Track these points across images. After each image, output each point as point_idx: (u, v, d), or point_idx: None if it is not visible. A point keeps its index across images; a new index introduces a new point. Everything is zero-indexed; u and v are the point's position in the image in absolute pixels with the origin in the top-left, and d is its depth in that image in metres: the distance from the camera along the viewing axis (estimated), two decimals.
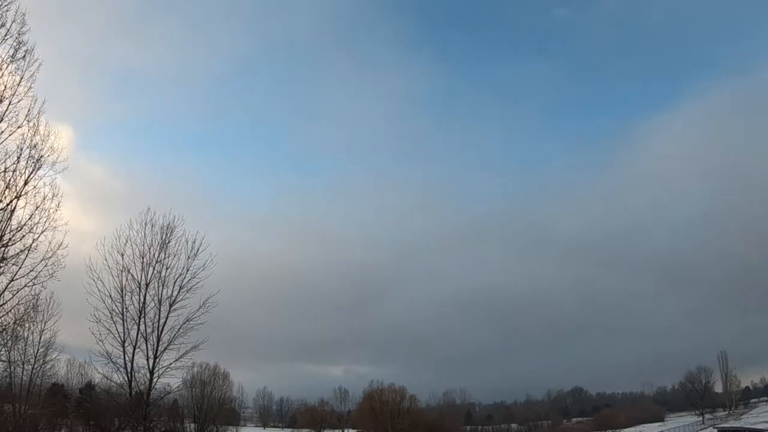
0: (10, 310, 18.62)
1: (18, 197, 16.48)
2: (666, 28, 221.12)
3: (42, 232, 17.09)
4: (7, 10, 15.55)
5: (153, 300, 26.91)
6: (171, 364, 26.93)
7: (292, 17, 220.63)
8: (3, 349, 33.05)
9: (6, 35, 15.61)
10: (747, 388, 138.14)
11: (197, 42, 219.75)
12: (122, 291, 26.41)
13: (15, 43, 15.83)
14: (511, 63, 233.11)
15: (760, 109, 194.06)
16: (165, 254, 27.50)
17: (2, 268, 16.69)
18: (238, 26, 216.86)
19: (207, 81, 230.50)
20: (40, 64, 16.27)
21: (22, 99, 16.06)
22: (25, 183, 16.63)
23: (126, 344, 26.05)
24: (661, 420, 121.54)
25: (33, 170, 16.77)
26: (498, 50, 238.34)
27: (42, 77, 16.41)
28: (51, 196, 17.27)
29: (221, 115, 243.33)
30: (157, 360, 26.51)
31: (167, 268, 27.36)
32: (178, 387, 35.00)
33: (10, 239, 16.51)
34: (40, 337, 40.63)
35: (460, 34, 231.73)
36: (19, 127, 16.15)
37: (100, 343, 25.53)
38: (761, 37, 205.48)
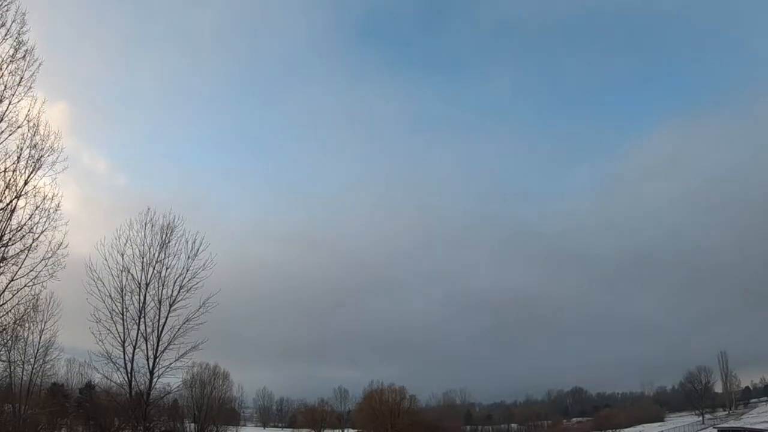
0: (10, 310, 18.64)
1: (18, 197, 16.49)
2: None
3: (42, 232, 17.11)
4: (7, 10, 15.58)
5: (153, 300, 26.93)
6: (171, 364, 26.95)
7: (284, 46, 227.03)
8: (3, 349, 33.08)
9: (6, 35, 15.63)
10: (747, 388, 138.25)
11: (198, 61, 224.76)
12: (122, 291, 26.42)
13: (15, 43, 15.83)
14: (490, 74, 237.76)
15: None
16: (165, 254, 27.52)
17: (2, 268, 16.70)
18: (233, 48, 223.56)
19: (211, 96, 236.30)
20: (40, 64, 16.29)
21: (22, 99, 16.08)
22: (25, 183, 16.65)
23: (126, 344, 26.05)
24: (661, 420, 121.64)
25: (33, 170, 16.79)
26: (477, 62, 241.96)
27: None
28: (51, 196, 17.29)
29: (222, 121, 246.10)
30: (157, 360, 26.51)
31: (167, 268, 27.39)
32: (178, 387, 34.99)
33: (10, 239, 16.52)
34: (40, 337, 40.76)
35: (439, 52, 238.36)
36: (19, 127, 16.18)
37: (100, 343, 25.56)
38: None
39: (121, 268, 26.54)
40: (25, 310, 26.73)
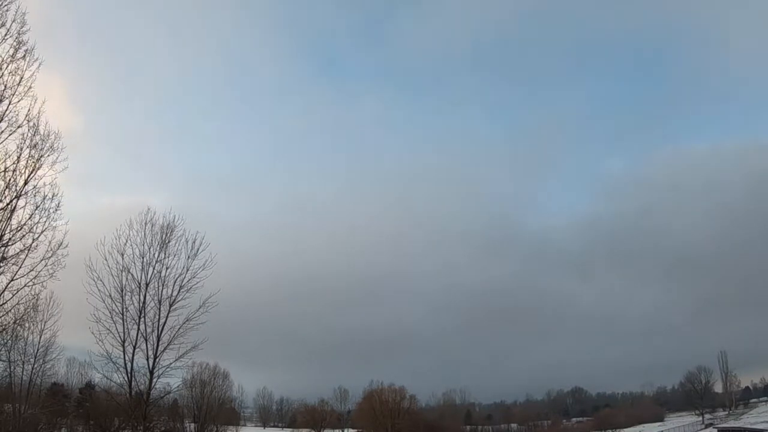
0: (10, 310, 18.62)
1: (18, 197, 16.47)
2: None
3: (42, 232, 17.06)
4: (7, 10, 15.57)
5: (153, 300, 26.94)
6: (171, 363, 27.00)
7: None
8: (3, 349, 33.14)
9: (6, 35, 15.61)
10: (747, 388, 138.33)
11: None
12: (122, 291, 26.42)
13: (15, 43, 15.80)
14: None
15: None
16: (165, 254, 27.53)
17: (2, 268, 16.68)
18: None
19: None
20: (40, 64, 16.26)
21: (22, 99, 16.04)
22: (25, 183, 16.61)
23: (126, 344, 26.04)
24: (661, 420, 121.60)
25: (33, 170, 16.75)
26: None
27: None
28: (51, 196, 17.27)
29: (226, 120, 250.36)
30: (157, 360, 26.53)
31: (167, 268, 27.40)
32: (178, 387, 35.13)
33: (10, 239, 16.50)
34: (40, 337, 40.68)
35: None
36: (19, 127, 16.15)
37: (100, 343, 25.56)
38: None
39: (121, 268, 26.57)
40: (25, 310, 26.71)
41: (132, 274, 26.76)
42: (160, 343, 26.51)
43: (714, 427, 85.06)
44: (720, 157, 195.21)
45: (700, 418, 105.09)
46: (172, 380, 28.86)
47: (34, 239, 16.93)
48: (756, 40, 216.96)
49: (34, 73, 16.17)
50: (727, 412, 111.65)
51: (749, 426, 76.48)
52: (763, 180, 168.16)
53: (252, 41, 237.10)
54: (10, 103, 15.80)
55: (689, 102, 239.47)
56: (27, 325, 36.08)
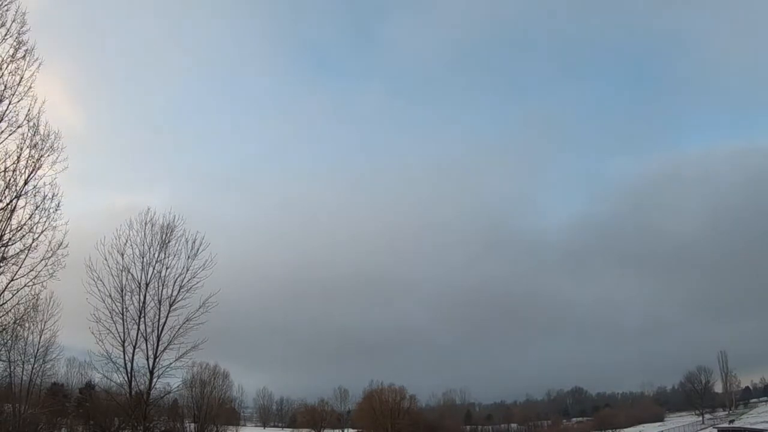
0: (10, 310, 18.64)
1: (18, 197, 16.45)
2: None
3: (42, 232, 17.02)
4: (7, 10, 15.55)
5: (153, 300, 26.89)
6: (171, 364, 26.97)
7: None
8: (3, 349, 33.13)
9: (6, 35, 15.59)
10: (747, 388, 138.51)
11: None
12: (122, 291, 26.36)
13: (15, 43, 15.78)
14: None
15: None
16: (165, 254, 27.46)
17: (2, 268, 16.66)
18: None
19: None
20: (40, 64, 16.23)
21: (22, 99, 16.02)
22: (25, 183, 16.57)
23: (126, 344, 26.00)
24: (661, 420, 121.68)
25: (33, 170, 16.71)
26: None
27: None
28: (51, 196, 17.24)
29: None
30: (157, 360, 26.49)
31: (167, 268, 27.33)
32: (178, 387, 35.08)
33: (10, 239, 16.48)
34: (40, 337, 40.59)
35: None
36: (19, 127, 16.12)
37: (100, 342, 25.52)
38: None
39: (121, 268, 26.52)
40: (25, 310, 26.75)
41: (132, 274, 26.74)
42: (160, 343, 26.49)
43: (714, 427, 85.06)
44: (717, 157, 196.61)
45: (700, 418, 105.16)
46: (172, 380, 28.86)
47: (34, 239, 16.90)
48: (753, 41, 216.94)
49: (34, 73, 16.16)
50: (727, 412, 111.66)
51: (749, 426, 76.48)
52: (761, 180, 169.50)
53: (251, 41, 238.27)
54: (10, 103, 15.79)
55: (686, 103, 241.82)
56: (27, 325, 36.01)
